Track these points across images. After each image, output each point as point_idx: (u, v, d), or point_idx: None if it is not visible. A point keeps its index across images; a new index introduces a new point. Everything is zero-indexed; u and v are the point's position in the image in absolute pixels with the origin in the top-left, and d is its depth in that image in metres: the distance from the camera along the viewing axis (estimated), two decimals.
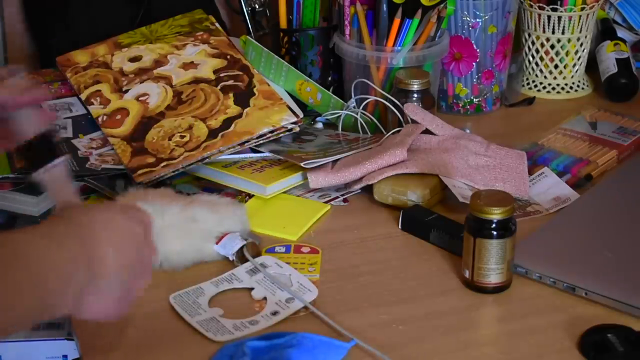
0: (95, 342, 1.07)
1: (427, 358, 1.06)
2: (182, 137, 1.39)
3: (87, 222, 0.92)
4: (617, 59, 1.69)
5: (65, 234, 0.89)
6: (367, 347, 1.04)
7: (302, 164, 1.34)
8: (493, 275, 1.15)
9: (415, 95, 1.45)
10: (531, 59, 1.71)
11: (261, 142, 1.40)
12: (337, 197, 1.36)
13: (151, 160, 1.36)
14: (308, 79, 1.51)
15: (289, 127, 1.41)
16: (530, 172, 1.39)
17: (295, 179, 1.37)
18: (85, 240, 0.89)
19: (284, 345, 1.02)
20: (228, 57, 1.52)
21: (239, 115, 1.42)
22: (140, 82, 1.49)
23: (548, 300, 1.15)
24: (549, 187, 1.36)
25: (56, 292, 0.85)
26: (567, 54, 1.68)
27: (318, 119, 1.54)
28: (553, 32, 1.67)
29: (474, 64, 1.61)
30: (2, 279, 0.81)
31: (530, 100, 1.69)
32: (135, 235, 0.95)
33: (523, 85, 1.72)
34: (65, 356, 1.06)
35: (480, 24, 1.59)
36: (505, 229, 1.14)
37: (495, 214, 1.13)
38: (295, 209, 1.34)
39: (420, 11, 1.47)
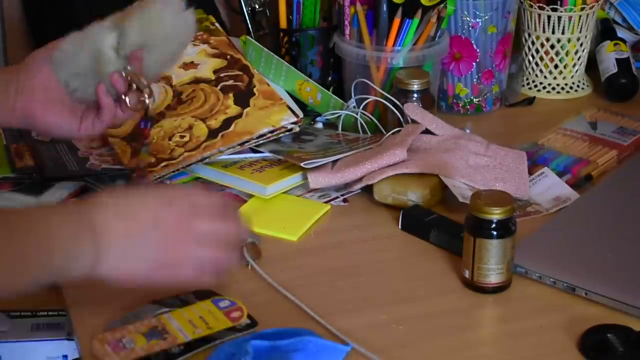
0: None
1: (427, 358, 1.06)
2: (182, 137, 1.39)
3: (97, 200, 0.98)
4: (617, 59, 1.69)
5: (71, 211, 0.97)
6: (363, 350, 1.04)
7: (302, 164, 1.34)
8: (493, 275, 1.15)
9: (415, 95, 1.45)
10: (531, 59, 1.71)
11: (261, 142, 1.40)
12: (337, 197, 1.36)
13: (151, 160, 1.36)
14: (308, 79, 1.51)
15: (289, 127, 1.41)
16: (530, 172, 1.39)
17: (295, 179, 1.37)
18: (88, 214, 0.95)
19: (287, 348, 1.02)
20: (228, 57, 1.52)
21: (239, 115, 1.42)
22: None
23: (548, 300, 1.15)
24: (549, 187, 1.36)
25: (63, 265, 0.93)
26: (567, 54, 1.68)
27: (318, 119, 1.54)
28: (553, 32, 1.67)
29: (474, 64, 1.61)
30: (8, 243, 0.88)
31: (530, 100, 1.69)
32: (153, 204, 0.99)
33: (523, 85, 1.72)
34: (65, 356, 1.06)
35: (480, 24, 1.59)
36: (505, 229, 1.14)
37: (495, 214, 1.13)
38: (295, 209, 1.34)
39: (420, 11, 1.47)
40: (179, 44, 1.23)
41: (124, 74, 1.17)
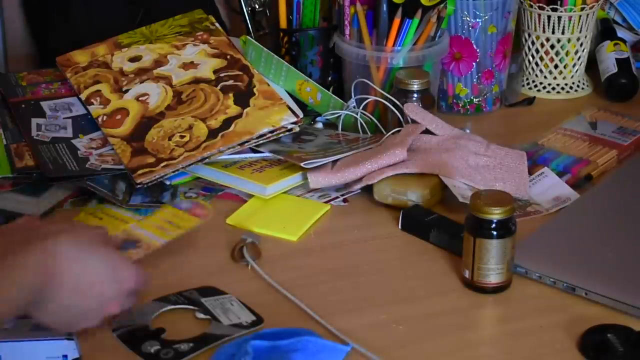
0: (95, 340, 1.07)
1: (427, 358, 1.06)
2: (182, 137, 1.39)
3: (54, 232, 1.03)
4: (617, 59, 1.69)
5: (26, 241, 1.01)
6: (363, 350, 1.04)
7: (302, 164, 1.34)
8: (493, 275, 1.15)
9: (415, 95, 1.45)
10: (531, 59, 1.71)
11: (261, 142, 1.40)
12: (337, 197, 1.37)
13: (151, 160, 1.36)
14: (308, 79, 1.51)
15: (289, 127, 1.41)
16: (530, 172, 1.39)
17: (295, 179, 1.37)
18: (45, 253, 1.00)
19: (287, 348, 1.02)
20: (228, 57, 1.52)
21: (239, 115, 1.42)
22: (140, 82, 1.49)
23: (548, 300, 1.15)
24: (549, 187, 1.36)
25: (5, 296, 0.98)
26: (567, 54, 1.68)
27: (318, 119, 1.54)
28: (553, 32, 1.67)
29: (474, 64, 1.61)
30: None
31: (530, 100, 1.69)
32: (100, 262, 1.04)
33: (523, 85, 1.72)
34: (65, 356, 1.06)
35: (480, 24, 1.59)
36: (505, 229, 1.14)
37: (495, 214, 1.13)
38: (295, 209, 1.34)
39: (420, 11, 1.47)
40: None
41: None
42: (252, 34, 1.65)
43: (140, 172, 1.34)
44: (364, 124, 1.49)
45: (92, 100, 1.48)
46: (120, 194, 1.34)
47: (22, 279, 0.99)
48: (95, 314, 1.04)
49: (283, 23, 1.60)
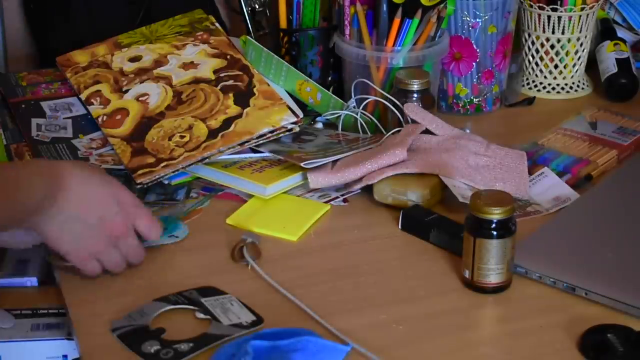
0: (95, 340, 1.07)
1: (427, 358, 1.06)
2: (182, 137, 1.39)
3: (72, 169, 1.10)
4: (617, 59, 1.69)
5: (38, 164, 1.11)
6: (363, 350, 1.04)
7: (302, 164, 1.34)
8: (493, 275, 1.15)
9: (415, 95, 1.45)
10: (531, 59, 1.71)
11: (261, 142, 1.40)
12: (337, 197, 1.36)
13: (151, 160, 1.36)
14: (308, 79, 1.51)
15: (289, 127, 1.41)
16: (530, 172, 1.39)
17: (295, 179, 1.37)
18: (55, 171, 1.08)
19: (287, 348, 1.02)
20: (228, 57, 1.52)
21: (239, 115, 1.42)
22: (140, 82, 1.49)
23: (548, 300, 1.15)
24: (549, 187, 1.36)
25: (18, 204, 1.04)
26: (567, 54, 1.68)
27: (318, 119, 1.54)
28: (553, 32, 1.67)
29: (474, 64, 1.61)
30: None
31: (530, 100, 1.69)
32: (107, 200, 1.12)
33: (523, 85, 1.72)
34: (65, 356, 1.06)
35: (480, 24, 1.59)
36: (505, 229, 1.14)
37: (495, 214, 1.13)
38: (295, 209, 1.34)
39: (420, 11, 1.47)
40: None
41: None
42: (252, 34, 1.65)
43: (140, 172, 1.34)
44: (364, 124, 1.49)
45: (92, 100, 1.48)
46: (135, 192, 1.34)
47: (33, 187, 1.06)
48: (97, 233, 1.11)
49: (283, 23, 1.60)
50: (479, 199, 1.14)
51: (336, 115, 1.50)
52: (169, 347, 1.05)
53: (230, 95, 1.45)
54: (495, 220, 1.13)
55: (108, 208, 1.12)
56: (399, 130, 1.43)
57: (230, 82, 1.48)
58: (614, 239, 1.23)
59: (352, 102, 1.51)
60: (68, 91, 1.53)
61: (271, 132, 1.40)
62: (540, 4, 1.65)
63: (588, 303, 1.13)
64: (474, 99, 1.64)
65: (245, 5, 1.66)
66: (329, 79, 1.60)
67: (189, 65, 1.51)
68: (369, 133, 1.49)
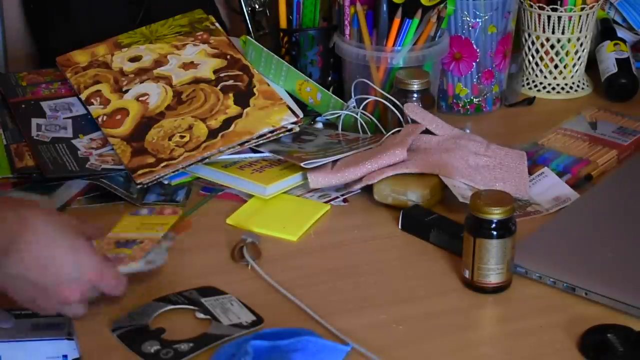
0: (95, 340, 1.07)
1: (427, 358, 1.06)
2: (182, 137, 1.39)
3: (33, 217, 1.04)
4: (617, 59, 1.69)
5: (5, 209, 1.04)
6: (363, 350, 1.04)
7: (302, 164, 1.34)
8: (493, 275, 1.15)
9: (415, 95, 1.45)
10: (531, 59, 1.71)
11: (261, 142, 1.40)
12: (337, 197, 1.36)
13: (151, 160, 1.36)
14: (308, 79, 1.51)
15: (289, 127, 1.41)
16: (530, 172, 1.39)
17: (295, 179, 1.37)
18: (18, 226, 1.02)
19: (287, 348, 1.02)
20: (228, 57, 1.52)
21: (239, 115, 1.42)
22: (140, 82, 1.49)
23: (548, 300, 1.15)
24: (549, 187, 1.36)
25: None
26: (567, 54, 1.68)
27: (318, 119, 1.54)
28: (553, 32, 1.67)
29: (474, 64, 1.61)
30: None
31: (530, 100, 1.69)
32: (67, 266, 1.05)
33: (523, 85, 1.72)
34: (65, 356, 1.06)
35: (480, 24, 1.59)
36: (505, 229, 1.14)
37: (495, 214, 1.13)
38: (295, 209, 1.34)
39: (420, 11, 1.47)
40: None
41: None
42: (252, 34, 1.65)
43: (140, 172, 1.34)
44: (364, 124, 1.49)
45: (92, 100, 1.48)
46: (135, 192, 1.34)
47: None
48: (51, 293, 1.05)
49: (283, 23, 1.60)
50: (479, 199, 1.14)
51: (336, 115, 1.50)
52: (169, 347, 1.05)
53: (230, 95, 1.45)
54: (495, 220, 1.13)
55: (67, 274, 1.05)
56: (399, 130, 1.43)
57: (230, 82, 1.48)
58: (614, 239, 1.23)
59: (352, 102, 1.51)
60: (68, 91, 1.53)
61: (271, 132, 1.40)
62: (540, 4, 1.65)
63: (588, 303, 1.13)
64: (474, 99, 1.64)
65: (245, 5, 1.66)
66: (329, 79, 1.60)
67: (189, 65, 1.51)
68: (369, 133, 1.49)
